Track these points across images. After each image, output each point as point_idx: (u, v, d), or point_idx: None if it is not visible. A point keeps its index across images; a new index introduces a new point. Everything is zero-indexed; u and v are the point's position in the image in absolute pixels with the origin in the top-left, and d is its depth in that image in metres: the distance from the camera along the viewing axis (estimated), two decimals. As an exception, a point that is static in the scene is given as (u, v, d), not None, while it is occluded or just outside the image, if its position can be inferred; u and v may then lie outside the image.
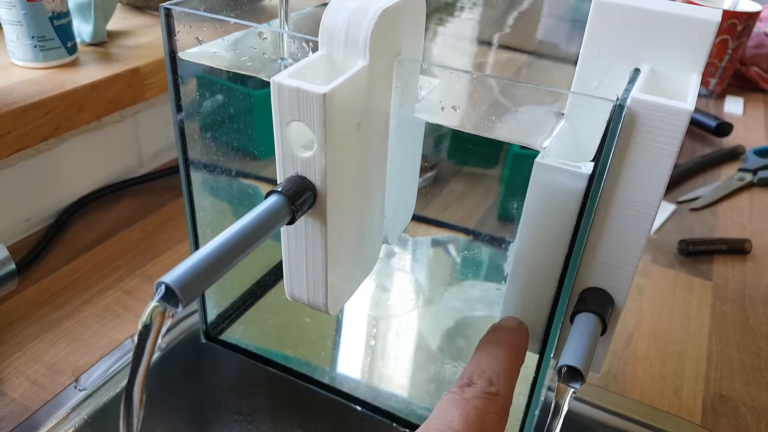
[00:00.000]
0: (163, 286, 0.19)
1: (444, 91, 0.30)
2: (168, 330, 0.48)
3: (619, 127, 0.26)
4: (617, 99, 0.25)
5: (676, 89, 0.28)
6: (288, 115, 0.24)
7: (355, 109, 0.26)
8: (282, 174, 0.26)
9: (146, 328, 0.19)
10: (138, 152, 0.68)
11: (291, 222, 0.25)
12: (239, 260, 0.22)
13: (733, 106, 1.00)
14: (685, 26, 0.27)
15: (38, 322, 0.47)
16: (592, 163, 0.27)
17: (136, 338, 0.19)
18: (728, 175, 0.78)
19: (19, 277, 0.51)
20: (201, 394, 0.52)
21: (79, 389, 0.41)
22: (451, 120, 0.29)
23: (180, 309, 0.19)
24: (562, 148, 0.29)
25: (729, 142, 0.87)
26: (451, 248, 0.51)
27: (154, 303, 0.19)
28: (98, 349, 0.45)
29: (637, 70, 0.29)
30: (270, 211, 0.24)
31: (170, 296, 0.19)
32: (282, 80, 0.24)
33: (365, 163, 0.29)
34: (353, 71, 0.25)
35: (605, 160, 0.26)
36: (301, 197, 0.25)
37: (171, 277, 0.19)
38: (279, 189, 0.25)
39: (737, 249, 0.64)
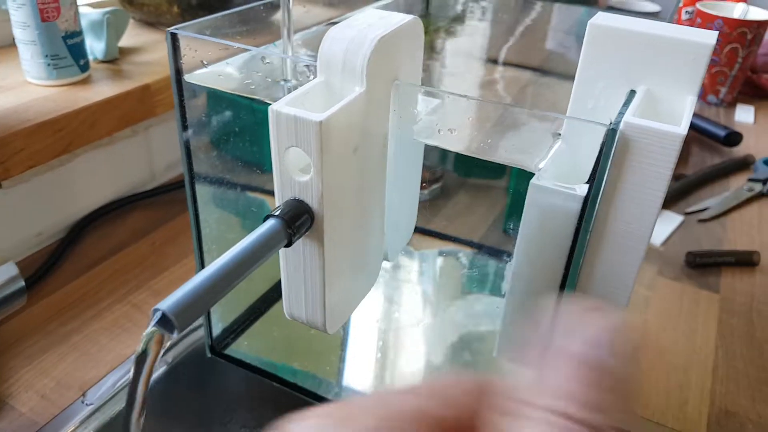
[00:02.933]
0: (159, 313, 0.20)
1: (442, 113, 0.31)
2: (174, 344, 0.49)
3: (612, 150, 0.26)
4: (610, 123, 0.26)
5: (671, 111, 0.28)
6: (286, 141, 0.25)
7: (352, 133, 0.26)
8: (280, 197, 0.27)
9: (143, 353, 0.20)
10: (150, 166, 0.69)
11: (288, 245, 0.25)
12: (236, 284, 0.23)
13: (744, 115, 0.99)
14: (679, 49, 0.28)
15: (47, 337, 0.48)
16: (587, 185, 0.27)
17: (134, 361, 0.19)
18: (737, 185, 0.78)
19: (29, 292, 0.52)
20: (207, 408, 0.52)
21: (87, 404, 0.42)
22: (448, 142, 0.30)
23: (175, 335, 0.20)
24: (559, 170, 0.30)
25: (739, 151, 0.87)
26: (456, 261, 0.51)
27: (150, 329, 0.20)
28: (106, 363, 0.46)
29: (632, 92, 0.29)
30: (267, 235, 0.24)
31: (166, 322, 0.20)
32: (280, 108, 0.24)
33: (363, 185, 0.29)
34: (350, 98, 0.25)
35: (599, 182, 0.27)
36: (298, 220, 0.25)
37: (166, 303, 0.20)
38: (276, 213, 0.25)
39: (746, 261, 0.64)
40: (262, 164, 0.42)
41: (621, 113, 0.26)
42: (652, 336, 0.53)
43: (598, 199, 0.27)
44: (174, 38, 0.34)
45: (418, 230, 0.44)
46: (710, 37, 0.28)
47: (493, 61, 0.56)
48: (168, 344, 0.20)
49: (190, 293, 0.20)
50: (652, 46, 0.28)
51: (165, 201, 0.67)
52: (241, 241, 0.24)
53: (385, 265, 0.50)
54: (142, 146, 0.67)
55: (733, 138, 0.87)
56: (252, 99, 0.39)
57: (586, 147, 0.28)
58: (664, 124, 0.25)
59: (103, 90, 0.56)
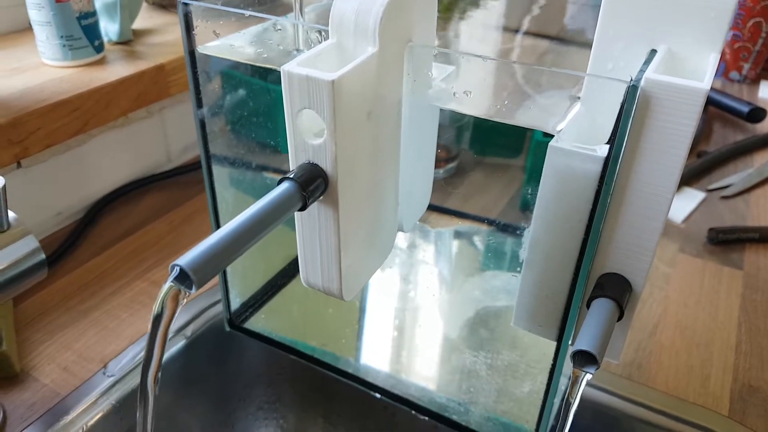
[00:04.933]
0: (177, 268, 0.20)
1: (457, 77, 0.30)
2: (193, 319, 0.49)
3: (633, 108, 0.25)
4: (631, 80, 0.25)
5: (694, 69, 0.28)
6: (299, 102, 0.25)
7: (366, 96, 0.26)
8: (294, 161, 0.26)
9: (161, 308, 0.20)
10: (166, 147, 0.69)
11: (303, 208, 0.25)
12: (251, 244, 0.23)
13: (768, 92, 0.97)
14: (700, 5, 0.27)
15: (69, 312, 0.49)
16: (607, 146, 0.27)
17: (151, 318, 0.19)
18: (761, 162, 0.76)
19: (50, 270, 0.52)
20: (226, 382, 0.53)
21: (108, 376, 0.43)
22: (463, 105, 0.29)
23: (193, 290, 0.20)
24: (579, 132, 0.29)
25: (763, 128, 0.85)
26: (473, 239, 0.51)
27: (168, 284, 0.20)
28: (125, 337, 0.46)
29: (653, 51, 0.29)
30: (282, 197, 0.24)
31: (184, 278, 0.20)
32: (292, 69, 0.24)
33: (377, 150, 0.29)
34: (362, 58, 0.25)
35: (620, 142, 0.26)
36: (313, 184, 0.25)
37: (185, 259, 0.20)
38: (291, 176, 0.25)
39: (770, 237, 0.62)
40: (278, 144, 0.42)
41: (642, 70, 0.25)
42: (674, 312, 0.52)
43: (619, 160, 0.27)
44: (186, 8, 0.34)
45: (434, 208, 0.44)
46: (734, -9, 0.27)
47: (510, 30, 0.55)
48: (185, 301, 0.20)
49: (207, 250, 0.20)
50: (673, 3, 0.27)
51: (182, 182, 0.67)
52: (257, 203, 0.23)
53: (402, 243, 0.50)
54: (157, 128, 0.68)
55: (757, 114, 0.85)
56: (266, 75, 0.39)
57: (605, 108, 0.28)
58: (686, 80, 0.24)
59: (117, 70, 0.57)
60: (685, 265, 0.58)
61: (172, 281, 0.20)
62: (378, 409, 0.52)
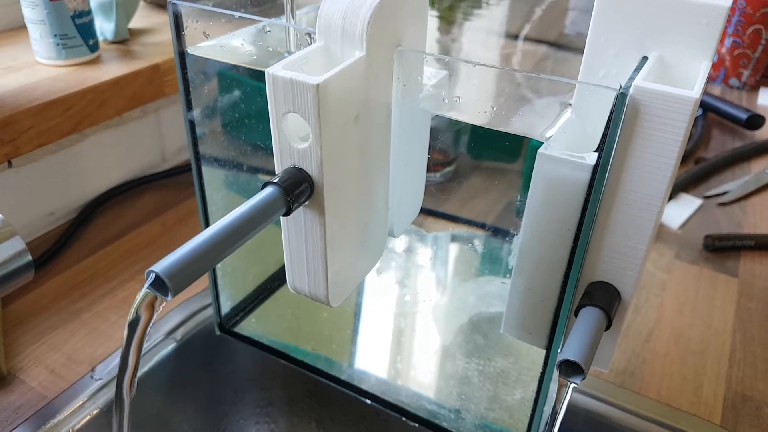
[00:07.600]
0: (153, 275, 0.19)
1: (449, 82, 0.30)
2: (183, 322, 0.49)
3: (622, 116, 0.25)
4: (620, 87, 0.25)
5: (685, 77, 0.27)
6: (283, 106, 0.24)
7: (353, 100, 0.26)
8: (280, 165, 0.26)
9: (136, 314, 0.19)
10: (161, 148, 0.69)
11: (287, 213, 0.25)
12: (232, 250, 0.22)
13: None
14: (692, 12, 0.27)
15: (59, 314, 0.48)
16: (596, 154, 0.26)
17: (126, 324, 0.19)
18: (759, 169, 0.76)
19: (41, 271, 0.52)
20: (218, 386, 0.53)
21: (95, 379, 0.42)
22: (453, 111, 0.29)
23: (169, 297, 0.20)
24: (569, 140, 0.29)
25: (761, 135, 0.84)
26: (469, 244, 0.51)
27: (144, 290, 0.19)
28: (115, 340, 0.46)
29: (644, 58, 0.28)
30: (264, 202, 0.24)
31: (160, 284, 0.20)
32: (276, 72, 0.24)
33: (365, 155, 0.28)
34: (349, 62, 0.25)
35: (609, 150, 0.26)
36: (298, 188, 0.25)
37: (161, 266, 0.20)
38: (275, 180, 0.25)
39: (766, 245, 0.62)
40: (269, 146, 0.42)
41: (631, 78, 0.25)
42: (668, 319, 0.52)
43: (608, 168, 0.26)
44: (175, 8, 0.34)
45: (430, 213, 0.43)
46: (726, -1, 0.27)
47: (508, 36, 0.55)
48: (162, 307, 0.20)
49: (184, 256, 0.20)
50: (664, 9, 0.27)
51: (176, 183, 0.67)
52: (239, 208, 0.23)
53: (398, 247, 0.50)
54: (152, 128, 0.67)
55: (755, 121, 0.85)
56: (259, 75, 0.39)
57: (596, 116, 0.27)
58: (676, 88, 0.24)
59: (112, 70, 0.56)
60: (681, 272, 0.58)
61: (148, 287, 0.19)
62: (371, 414, 0.52)
